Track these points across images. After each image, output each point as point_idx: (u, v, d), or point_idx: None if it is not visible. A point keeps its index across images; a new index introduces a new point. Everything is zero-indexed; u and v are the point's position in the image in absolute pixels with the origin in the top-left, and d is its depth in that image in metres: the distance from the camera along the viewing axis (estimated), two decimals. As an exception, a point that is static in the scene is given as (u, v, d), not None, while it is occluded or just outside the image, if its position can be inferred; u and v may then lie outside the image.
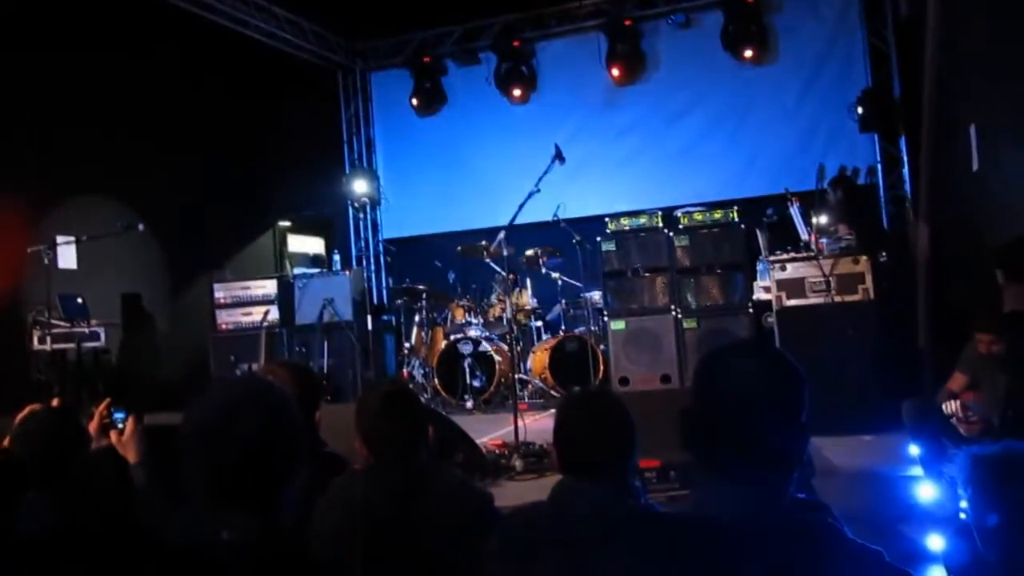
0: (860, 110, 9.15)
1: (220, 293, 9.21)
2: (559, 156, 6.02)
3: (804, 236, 7.04)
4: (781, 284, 6.36)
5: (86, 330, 7.08)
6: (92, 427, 3.18)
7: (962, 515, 2.53)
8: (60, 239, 7.48)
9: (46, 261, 6.44)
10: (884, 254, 8.04)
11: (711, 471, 1.78)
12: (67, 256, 7.93)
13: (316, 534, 2.53)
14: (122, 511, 2.61)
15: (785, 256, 6.49)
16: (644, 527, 1.93)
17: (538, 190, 5.82)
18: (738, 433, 1.71)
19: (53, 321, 6.83)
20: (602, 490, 2.30)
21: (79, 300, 7.53)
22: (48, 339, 6.74)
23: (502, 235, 5.98)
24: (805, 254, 6.48)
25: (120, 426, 3.15)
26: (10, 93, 7.27)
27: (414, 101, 10.88)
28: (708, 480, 1.79)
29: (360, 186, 10.92)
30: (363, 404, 2.76)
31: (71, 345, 6.95)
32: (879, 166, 9.59)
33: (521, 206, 5.78)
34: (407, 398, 2.76)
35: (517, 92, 10.38)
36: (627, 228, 8.37)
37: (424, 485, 2.57)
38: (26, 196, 7.35)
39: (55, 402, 3.34)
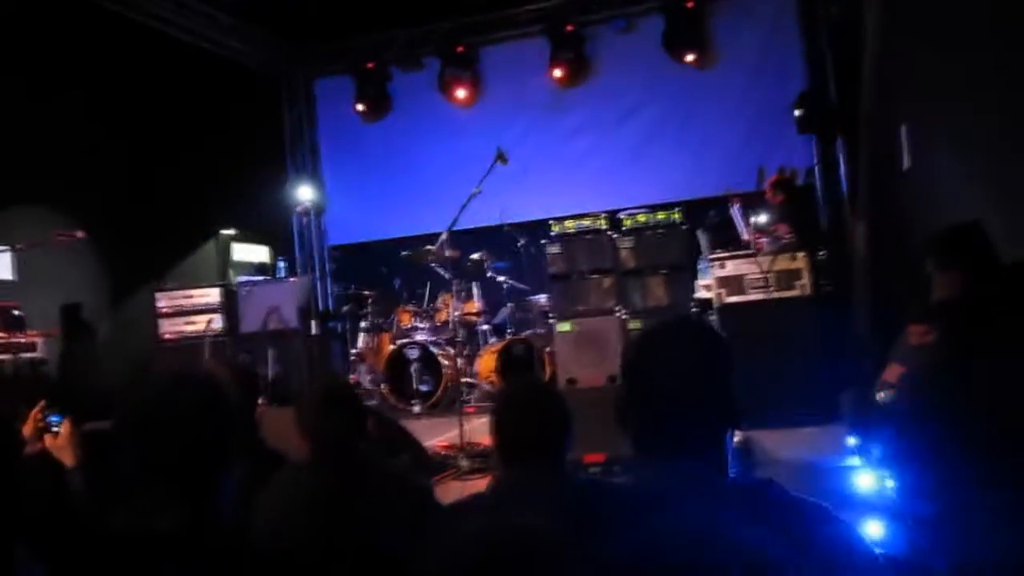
0: (797, 112, 9.34)
1: (162, 302, 9.10)
2: (501, 157, 6.08)
3: (745, 236, 7.18)
4: (721, 281, 6.47)
5: (23, 340, 6.94)
6: (27, 431, 3.14)
7: (887, 482, 2.60)
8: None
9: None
10: (822, 252, 8.22)
11: (646, 452, 1.81)
12: (2, 266, 7.77)
13: (257, 528, 2.53)
14: (56, 514, 2.59)
15: (725, 254, 6.61)
16: (579, 499, 1.94)
17: (480, 191, 5.87)
18: (668, 411, 1.74)
19: (-14, 332, 6.70)
20: (538, 475, 2.35)
21: (15, 311, 7.38)
22: (-20, 351, 6.61)
23: (445, 236, 6.03)
24: (744, 252, 6.60)
25: (55, 429, 3.11)
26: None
27: (359, 107, 10.86)
28: (644, 461, 1.81)
29: (305, 193, 10.87)
30: (303, 400, 2.77)
31: (7, 356, 6.81)
32: (817, 167, 9.80)
33: (463, 207, 5.83)
34: (346, 393, 2.78)
35: (462, 96, 10.42)
36: (572, 231, 8.45)
37: (364, 477, 2.59)
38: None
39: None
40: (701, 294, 7.08)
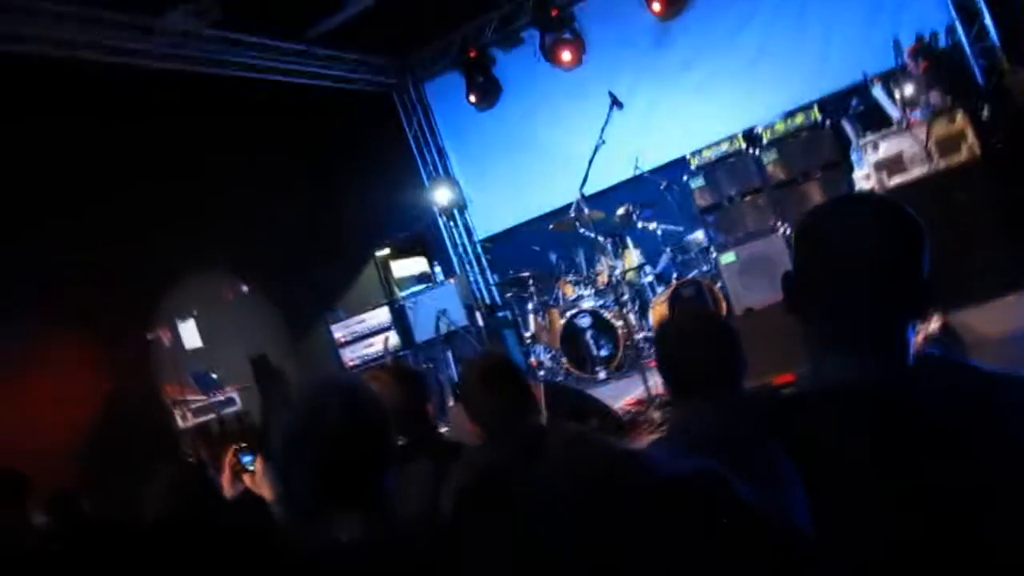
0: (923, -31, 8.63)
1: (339, 333, 9.46)
2: (616, 102, 5.93)
3: (895, 114, 6.70)
4: (879, 165, 6.04)
5: (223, 398, 7.36)
6: (225, 477, 3.28)
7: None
8: (179, 321, 7.80)
9: (166, 343, 6.74)
10: (985, 109, 7.57)
11: (822, 342, 1.63)
12: (191, 335, 8.26)
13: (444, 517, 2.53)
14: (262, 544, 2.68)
15: (875, 135, 6.17)
16: (755, 413, 1.77)
17: (604, 141, 5.74)
18: (854, 292, 1.57)
19: (190, 398, 7.13)
20: (712, 404, 2.22)
21: (212, 375, 7.83)
22: (189, 415, 7.04)
23: (579, 197, 5.92)
24: (896, 128, 6.15)
25: (251, 468, 3.23)
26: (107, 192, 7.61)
27: (471, 98, 10.84)
28: (820, 352, 1.64)
29: (443, 195, 10.99)
30: (464, 384, 2.75)
31: (211, 416, 7.24)
32: (958, 22, 9.02)
33: (591, 162, 5.72)
34: (503, 366, 2.73)
35: (567, 58, 10.21)
36: (711, 159, 8.20)
37: (540, 443, 2.53)
38: (133, 288, 7.66)
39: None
40: (861, 185, 6.65)
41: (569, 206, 8.37)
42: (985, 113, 7.42)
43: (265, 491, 3.17)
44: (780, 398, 1.72)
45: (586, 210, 5.96)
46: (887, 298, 1.53)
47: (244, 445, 3.32)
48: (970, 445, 1.46)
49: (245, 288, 7.50)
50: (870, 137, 6.24)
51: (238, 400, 7.53)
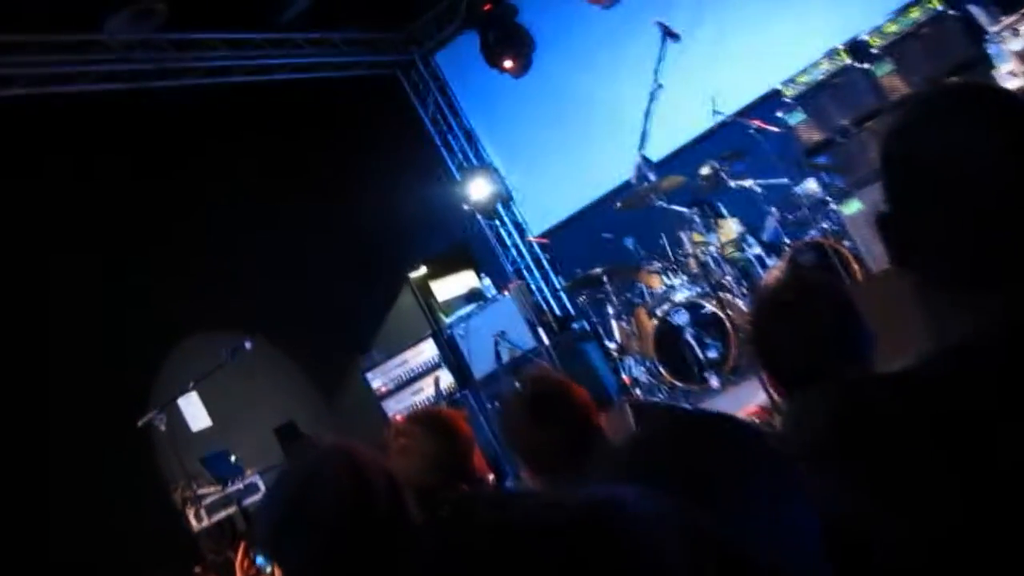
0: None
1: (377, 381, 9.40)
2: (669, 33, 5.80)
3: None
4: (1025, 55, 5.79)
5: (243, 485, 7.34)
6: (240, 583, 3.26)
7: None
8: (179, 399, 7.80)
9: (162, 428, 6.77)
10: None
11: (943, 293, 1.50)
12: (196, 413, 8.27)
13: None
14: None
15: (1015, 16, 5.93)
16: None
17: (660, 86, 5.61)
18: (974, 220, 1.43)
19: (202, 491, 7.12)
20: (827, 396, 2.08)
21: (231, 457, 7.82)
22: (204, 513, 7.02)
23: (638, 159, 5.79)
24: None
25: (268, 569, 3.20)
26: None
27: (506, 63, 10.70)
28: (942, 308, 1.51)
29: (480, 188, 10.90)
30: (508, 418, 2.66)
31: (233, 508, 7.21)
32: None
33: (648, 112, 5.58)
34: (558, 392, 2.63)
35: (608, -7, 10.09)
36: (810, 85, 8.03)
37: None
38: (124, 369, 7.74)
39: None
40: (1006, 84, 6.40)
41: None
42: None
43: (285, 591, 3.12)
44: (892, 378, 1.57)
45: (650, 175, 5.82)
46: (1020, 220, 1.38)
47: (253, 544, 3.29)
48: None
49: (248, 344, 7.46)
50: (1009, 19, 6.00)
51: (262, 485, 7.48)
